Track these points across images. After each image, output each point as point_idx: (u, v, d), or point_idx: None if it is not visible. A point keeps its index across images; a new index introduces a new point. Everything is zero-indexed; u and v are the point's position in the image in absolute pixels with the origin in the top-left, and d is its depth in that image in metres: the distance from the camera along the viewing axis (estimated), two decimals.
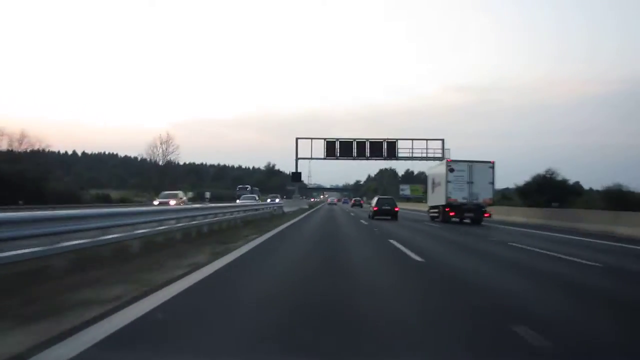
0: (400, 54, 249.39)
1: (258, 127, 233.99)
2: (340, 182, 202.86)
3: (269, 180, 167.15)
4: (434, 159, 51.93)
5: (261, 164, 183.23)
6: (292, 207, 39.26)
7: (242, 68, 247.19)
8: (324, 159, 52.69)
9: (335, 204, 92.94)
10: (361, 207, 68.22)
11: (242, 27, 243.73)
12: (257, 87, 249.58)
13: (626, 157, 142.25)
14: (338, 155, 52.40)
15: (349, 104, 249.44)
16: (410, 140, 52.74)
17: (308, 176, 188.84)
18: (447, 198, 25.81)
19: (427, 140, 52.85)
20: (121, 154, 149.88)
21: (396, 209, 29.77)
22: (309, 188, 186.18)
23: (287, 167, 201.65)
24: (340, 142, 52.73)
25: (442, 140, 52.83)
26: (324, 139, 52.82)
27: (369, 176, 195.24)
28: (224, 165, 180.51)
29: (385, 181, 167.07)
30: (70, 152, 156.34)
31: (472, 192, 25.45)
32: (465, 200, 25.62)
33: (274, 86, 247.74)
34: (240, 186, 60.22)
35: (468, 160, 27.00)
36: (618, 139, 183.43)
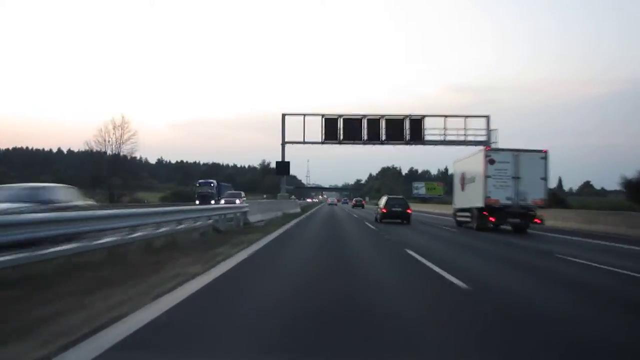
0: (400, 54, 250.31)
1: (257, 128, 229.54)
2: (340, 182, 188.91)
3: (263, 179, 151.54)
4: (475, 143, 36.32)
5: (258, 164, 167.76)
6: (270, 212, 23.40)
7: (241, 69, 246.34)
8: (322, 143, 36.89)
9: (335, 204, 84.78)
10: (362, 207, 59.49)
11: (243, 29, 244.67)
12: (257, 87, 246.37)
13: (627, 158, 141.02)
14: (341, 138, 36.64)
15: (348, 104, 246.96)
16: (442, 118, 36.97)
17: (306, 176, 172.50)
18: (486, 198, 19.49)
19: (465, 117, 37.12)
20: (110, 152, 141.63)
21: (408, 211, 24.22)
22: (308, 187, 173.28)
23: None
24: (344, 119, 36.89)
25: (487, 117, 37.09)
26: (322, 115, 37.06)
27: (370, 175, 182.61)
28: (216, 164, 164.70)
29: (388, 180, 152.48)
30: (55, 150, 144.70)
31: (519, 191, 19.45)
32: (509, 202, 19.55)
33: (273, 87, 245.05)
34: (202, 181, 43.51)
35: (513, 149, 20.34)
36: (619, 139, 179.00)
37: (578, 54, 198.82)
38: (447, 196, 74.05)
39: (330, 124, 36.48)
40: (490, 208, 19.33)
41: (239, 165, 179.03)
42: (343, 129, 36.50)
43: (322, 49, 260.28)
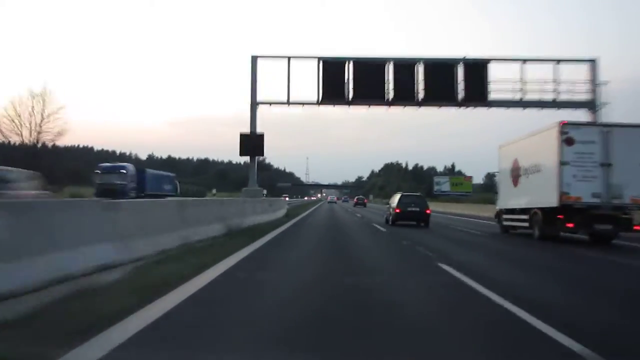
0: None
1: (258, 126, 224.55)
2: (339, 180, 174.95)
3: (259, 175, 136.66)
4: (572, 105, 21.65)
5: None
6: (157, 234, 7.88)
7: (239, 67, 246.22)
8: (319, 104, 21.82)
9: (335, 202, 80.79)
10: (364, 206, 54.74)
11: (241, 30, 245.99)
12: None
13: None
14: (351, 97, 21.66)
15: None
16: (519, 63, 21.95)
17: (306, 174, 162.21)
18: (562, 195, 13.34)
19: (556, 62, 22.01)
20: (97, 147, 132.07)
21: (427, 212, 19.38)
22: (306, 185, 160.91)
23: (281, 163, 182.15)
24: (355, 63, 21.82)
25: (592, 62, 22.06)
26: (319, 58, 22.00)
27: (372, 172, 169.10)
28: (207, 159, 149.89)
29: (393, 177, 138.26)
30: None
31: (612, 184, 13.30)
32: (597, 200, 13.27)
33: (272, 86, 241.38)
34: (105, 165, 26.77)
35: (602, 124, 16.05)
36: None
37: (576, 53, 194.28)
38: (476, 194, 59.67)
39: (332, 73, 21.47)
40: (567, 209, 13.26)
41: (234, 162, 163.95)
42: (354, 82, 21.47)
43: (317, 46, 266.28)
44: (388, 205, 21.30)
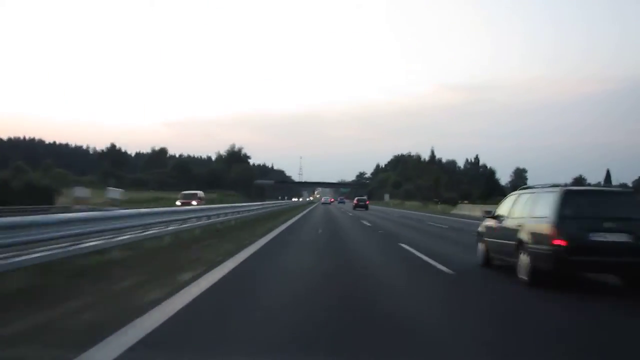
0: (393, 53, 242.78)
1: (252, 127, 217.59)
2: (335, 178, 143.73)
3: (229, 169, 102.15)
4: None
5: (225, 150, 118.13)
6: None
7: (236, 68, 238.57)
8: None
9: (329, 203, 75.93)
10: (366, 209, 47.76)
11: (236, 29, 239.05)
12: (251, 86, 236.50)
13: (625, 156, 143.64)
14: None
15: (339, 102, 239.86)
16: None
17: (299, 173, 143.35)
18: None
19: None
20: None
21: None
22: (296, 183, 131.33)
23: (266, 159, 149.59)
24: None
25: None
26: None
27: (377, 166, 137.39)
28: (163, 150, 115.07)
29: (410, 171, 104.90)
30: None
31: None
32: None
33: (268, 86, 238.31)
34: None
35: None
36: (613, 137, 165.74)
37: (574, 52, 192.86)
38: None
39: None
40: None
41: (214, 158, 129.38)
42: None
43: (313, 46, 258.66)
44: (493, 221, 8.60)
